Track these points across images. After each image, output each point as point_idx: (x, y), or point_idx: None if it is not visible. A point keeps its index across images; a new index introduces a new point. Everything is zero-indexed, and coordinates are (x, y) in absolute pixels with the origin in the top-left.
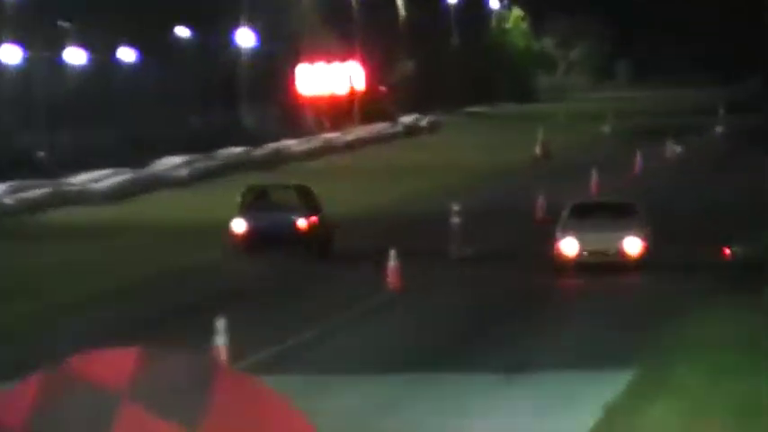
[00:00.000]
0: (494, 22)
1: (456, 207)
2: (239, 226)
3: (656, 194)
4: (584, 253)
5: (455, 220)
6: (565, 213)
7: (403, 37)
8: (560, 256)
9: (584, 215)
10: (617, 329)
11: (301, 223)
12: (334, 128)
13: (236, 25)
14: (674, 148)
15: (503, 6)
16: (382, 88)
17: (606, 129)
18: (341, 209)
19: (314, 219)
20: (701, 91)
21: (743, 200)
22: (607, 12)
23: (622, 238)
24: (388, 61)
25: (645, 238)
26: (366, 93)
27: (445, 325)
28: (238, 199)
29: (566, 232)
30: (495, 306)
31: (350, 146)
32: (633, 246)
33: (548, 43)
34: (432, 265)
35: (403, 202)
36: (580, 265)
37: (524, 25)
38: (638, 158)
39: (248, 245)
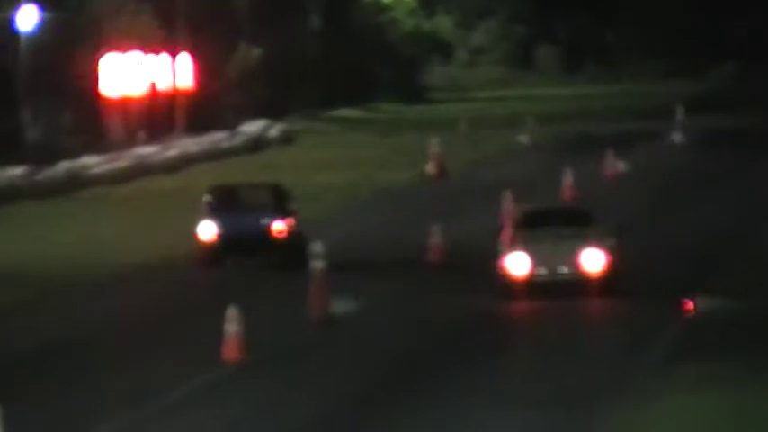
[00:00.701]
0: None
1: (318, 248)
2: (207, 231)
3: None
4: (538, 271)
5: (317, 265)
6: (512, 222)
7: (245, 17)
8: (507, 275)
9: (535, 224)
10: None
11: (277, 227)
12: (152, 140)
13: (17, 2)
14: (616, 165)
15: None
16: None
17: (524, 138)
18: (159, 251)
19: (290, 222)
20: (654, 85)
21: (706, 236)
22: None
23: (581, 250)
24: (226, 49)
25: (608, 252)
26: (195, 92)
27: (296, 416)
28: (205, 199)
29: (513, 246)
30: (374, 383)
31: (172, 165)
32: (596, 259)
33: (444, 23)
34: (284, 329)
35: None
36: (532, 286)
37: None
38: (568, 179)
39: (216, 253)
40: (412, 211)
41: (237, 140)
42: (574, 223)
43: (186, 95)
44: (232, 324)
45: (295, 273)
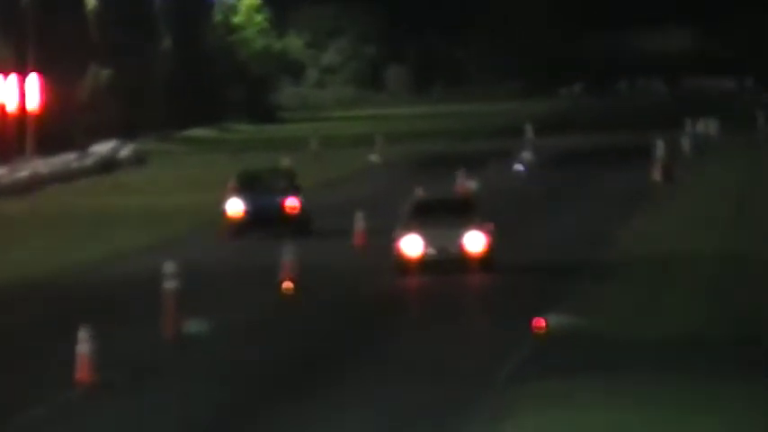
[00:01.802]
0: (219, 15)
1: (170, 269)
2: (234, 208)
3: None
4: (429, 251)
5: (169, 285)
6: (405, 211)
7: (95, 38)
8: (402, 255)
9: (425, 212)
10: None
11: (290, 203)
12: (1, 162)
13: None
14: (466, 183)
15: None
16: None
17: (375, 157)
18: (10, 275)
19: (299, 199)
20: (504, 105)
21: (552, 253)
22: (373, 1)
23: (465, 233)
24: (77, 70)
25: (487, 234)
26: (45, 113)
27: None
28: (231, 183)
29: (406, 230)
30: (224, 404)
31: (22, 187)
32: (477, 241)
33: (295, 43)
34: (138, 349)
35: (96, 264)
36: (424, 265)
37: (261, 18)
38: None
39: (242, 226)
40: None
41: (88, 161)
42: (458, 210)
43: (36, 116)
44: (84, 345)
45: (157, 293)
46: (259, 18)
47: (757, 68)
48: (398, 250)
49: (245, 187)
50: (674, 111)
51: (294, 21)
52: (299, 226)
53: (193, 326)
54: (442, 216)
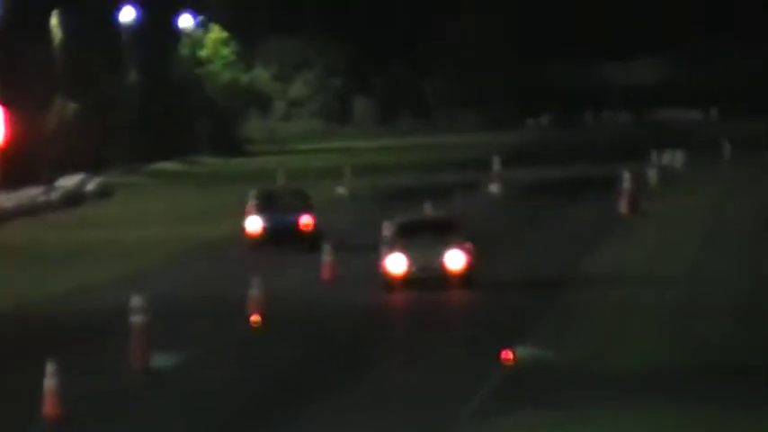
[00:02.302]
0: (186, 48)
1: (138, 302)
2: (254, 225)
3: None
4: (413, 269)
5: (137, 319)
6: (389, 233)
7: (62, 70)
8: (388, 273)
9: (409, 233)
10: None
11: (305, 221)
12: None
13: None
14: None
15: (198, 25)
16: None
17: (342, 190)
18: None
19: (312, 217)
20: (471, 137)
21: (519, 284)
22: (340, 34)
23: (446, 251)
24: (42, 103)
25: (467, 252)
26: (10, 146)
27: None
28: (251, 201)
29: (392, 249)
30: None
31: None
32: (457, 259)
33: (261, 76)
34: (105, 382)
35: (63, 297)
36: (408, 281)
37: (228, 51)
38: (387, 230)
39: (261, 241)
40: (232, 265)
41: (55, 195)
42: (440, 230)
43: (1, 150)
44: (51, 379)
45: (125, 327)
46: (226, 51)
47: (722, 99)
48: (384, 268)
49: (264, 206)
50: (641, 142)
51: (261, 53)
52: (312, 242)
53: (161, 359)
54: (424, 236)
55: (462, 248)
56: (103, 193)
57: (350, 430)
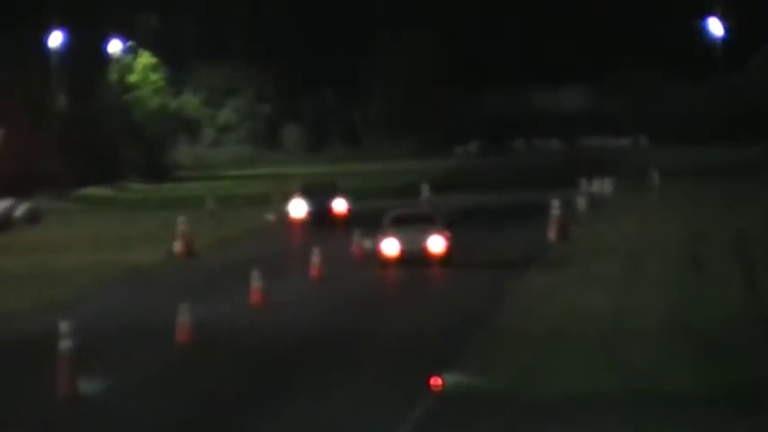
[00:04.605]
0: (114, 74)
1: (65, 327)
2: (299, 210)
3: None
4: (403, 250)
5: (64, 344)
6: (384, 222)
7: None
8: (383, 254)
9: (399, 223)
10: None
11: (338, 206)
12: None
13: None
14: (363, 243)
15: (126, 50)
16: None
17: (271, 216)
18: None
19: (346, 203)
20: (400, 164)
21: (447, 312)
22: (270, 60)
23: (429, 237)
24: None
25: (446, 238)
26: None
27: None
28: (298, 191)
29: (386, 235)
30: None
31: None
32: (438, 243)
33: (190, 102)
34: (30, 407)
35: None
36: (399, 260)
37: (157, 77)
38: (316, 257)
39: (305, 223)
40: (160, 291)
41: None
42: (424, 221)
43: None
44: None
45: (51, 352)
46: (155, 77)
47: (650, 127)
48: (380, 251)
49: (306, 195)
50: (570, 170)
51: (190, 79)
52: (345, 224)
53: (88, 385)
54: (412, 225)
55: (442, 235)
56: (31, 218)
57: None
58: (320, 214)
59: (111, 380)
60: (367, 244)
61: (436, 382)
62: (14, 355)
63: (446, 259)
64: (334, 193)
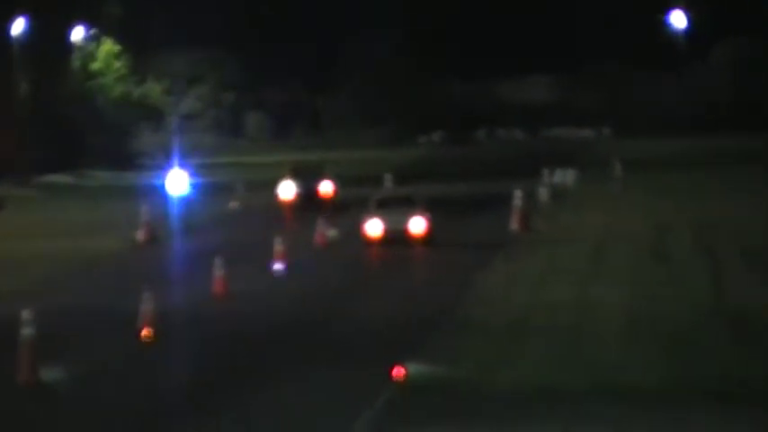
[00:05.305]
0: (77, 61)
1: (26, 315)
2: (288, 192)
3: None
4: (386, 230)
5: (27, 331)
6: (369, 204)
7: None
8: (367, 234)
9: (383, 205)
10: None
11: (323, 189)
12: None
13: None
14: (326, 231)
15: (88, 37)
16: None
17: (235, 205)
18: None
19: (333, 186)
20: (364, 153)
21: (415, 302)
22: (234, 48)
23: (410, 219)
24: None
25: (427, 220)
26: None
27: None
28: (287, 173)
29: (371, 217)
30: None
31: None
32: (419, 225)
33: (154, 90)
34: None
35: None
36: (383, 240)
37: (120, 64)
38: (279, 246)
39: (294, 205)
40: (122, 279)
41: None
42: (406, 203)
43: None
44: None
45: (13, 340)
46: (118, 64)
47: (614, 118)
48: (365, 231)
49: (295, 177)
50: (533, 160)
51: (154, 67)
52: (331, 207)
53: (49, 373)
54: (394, 207)
55: (423, 216)
56: None
57: None
58: (308, 196)
59: (71, 368)
60: (330, 232)
61: (399, 372)
62: None
63: (427, 240)
64: (321, 175)
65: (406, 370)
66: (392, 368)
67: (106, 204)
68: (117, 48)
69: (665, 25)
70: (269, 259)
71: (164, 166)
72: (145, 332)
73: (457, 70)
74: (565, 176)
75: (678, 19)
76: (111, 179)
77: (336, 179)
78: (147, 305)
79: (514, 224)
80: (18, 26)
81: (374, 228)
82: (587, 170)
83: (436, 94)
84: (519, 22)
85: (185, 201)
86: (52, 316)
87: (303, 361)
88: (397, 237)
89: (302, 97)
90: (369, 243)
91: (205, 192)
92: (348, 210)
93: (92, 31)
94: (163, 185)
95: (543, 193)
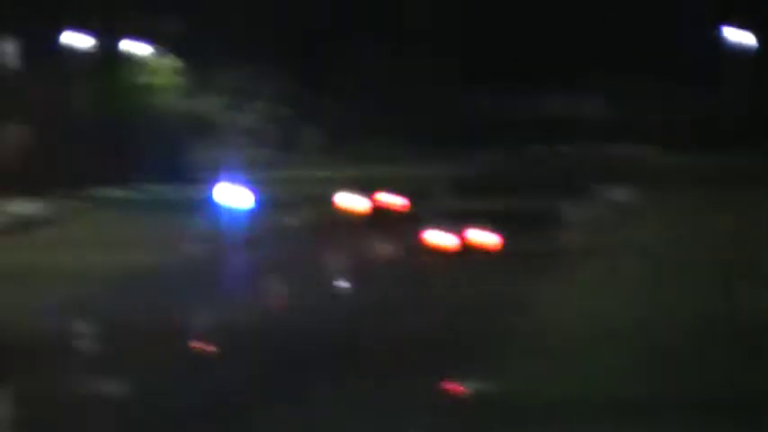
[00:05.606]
0: (138, 76)
1: (80, 326)
2: (357, 205)
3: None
4: (457, 243)
5: (79, 342)
6: (438, 218)
7: (14, 95)
8: (437, 247)
9: (451, 218)
10: None
11: (394, 203)
12: None
13: None
14: (392, 245)
15: (151, 53)
16: None
17: (293, 218)
18: None
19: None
20: (424, 169)
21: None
22: (290, 61)
23: (482, 232)
24: None
25: (498, 233)
26: None
27: None
28: None
29: (440, 229)
30: None
31: None
32: (491, 237)
33: (213, 104)
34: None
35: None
36: (454, 253)
37: (181, 79)
38: (342, 258)
39: (363, 218)
40: (179, 293)
41: (1, 219)
42: (476, 217)
43: None
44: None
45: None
46: (178, 79)
47: (670, 134)
48: (433, 243)
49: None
50: (587, 176)
51: (212, 83)
52: None
53: (106, 384)
54: (463, 220)
55: (492, 230)
56: (50, 218)
57: None
58: (378, 210)
59: (128, 379)
60: (396, 246)
61: (455, 388)
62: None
63: (499, 252)
64: (387, 189)
65: (461, 386)
66: (445, 382)
67: (161, 218)
68: (178, 63)
69: (722, 40)
70: (331, 274)
71: (221, 180)
72: (203, 345)
73: (504, 84)
74: (619, 193)
75: (738, 35)
76: (168, 193)
77: (403, 193)
78: (206, 318)
79: (571, 237)
80: (80, 41)
81: (444, 240)
82: (641, 186)
83: (481, 108)
84: (569, 36)
85: (244, 215)
86: (103, 327)
87: (360, 373)
88: (468, 250)
89: (349, 112)
90: (438, 255)
91: (263, 206)
92: (416, 223)
93: (153, 46)
94: (219, 200)
95: (599, 209)
